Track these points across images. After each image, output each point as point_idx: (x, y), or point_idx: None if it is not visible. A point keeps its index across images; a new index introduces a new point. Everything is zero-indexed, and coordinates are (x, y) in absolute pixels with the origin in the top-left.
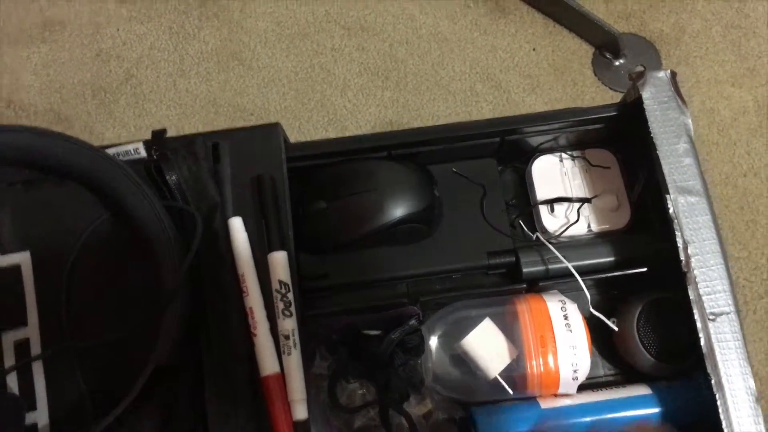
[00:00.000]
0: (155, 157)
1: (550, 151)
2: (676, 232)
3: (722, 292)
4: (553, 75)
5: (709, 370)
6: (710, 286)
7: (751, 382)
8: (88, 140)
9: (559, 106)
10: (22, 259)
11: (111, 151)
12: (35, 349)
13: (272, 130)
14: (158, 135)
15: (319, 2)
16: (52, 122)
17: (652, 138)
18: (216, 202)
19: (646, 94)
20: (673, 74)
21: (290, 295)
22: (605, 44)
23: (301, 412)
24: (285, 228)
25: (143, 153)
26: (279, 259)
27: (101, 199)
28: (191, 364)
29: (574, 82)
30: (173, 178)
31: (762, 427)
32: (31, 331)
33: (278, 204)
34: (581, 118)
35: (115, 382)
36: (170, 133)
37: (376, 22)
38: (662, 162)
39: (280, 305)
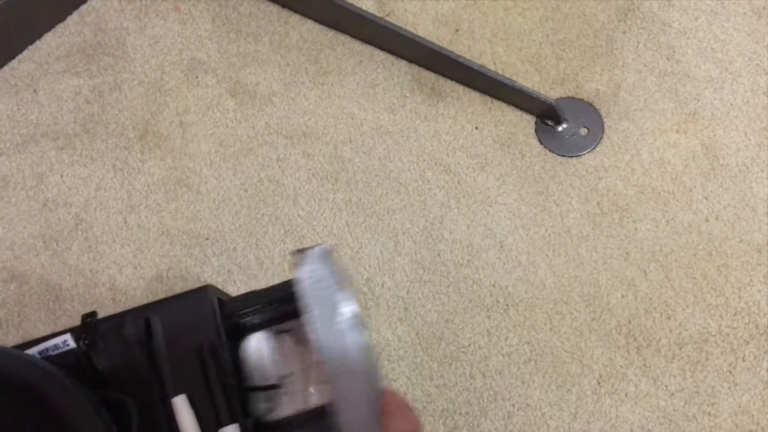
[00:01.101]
0: (84, 347)
1: (262, 326)
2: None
3: None
4: (499, 150)
5: None
6: None
7: None
8: (44, 294)
9: (510, 180)
10: None
11: (39, 348)
12: None
13: (202, 294)
14: (88, 320)
15: (257, 116)
16: (6, 281)
17: (310, 319)
18: (153, 383)
19: (304, 274)
20: (329, 250)
21: None
22: (544, 113)
23: None
24: (233, 399)
25: (72, 344)
26: None
27: (29, 405)
28: None
29: (521, 154)
30: (104, 364)
31: None
32: None
33: (223, 374)
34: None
35: None
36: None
37: (317, 126)
38: (322, 345)
39: None
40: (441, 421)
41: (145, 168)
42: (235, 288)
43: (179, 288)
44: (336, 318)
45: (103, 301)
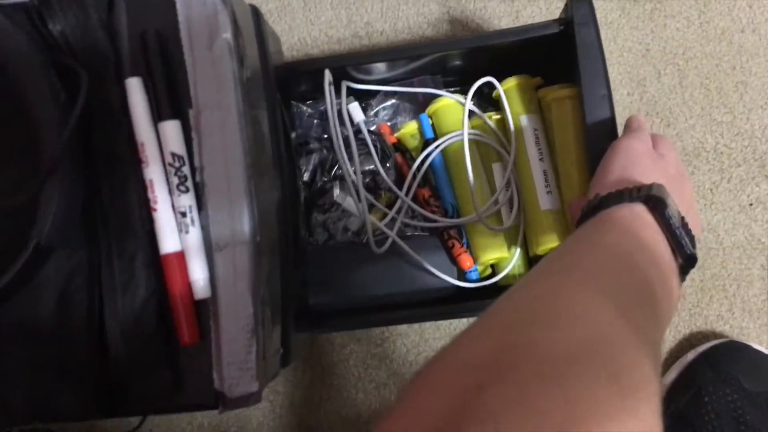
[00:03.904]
0: (36, 1)
1: None
2: (196, 152)
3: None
4: None
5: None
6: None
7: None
8: None
9: None
10: None
11: None
12: None
13: None
14: None
15: None
16: None
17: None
18: (109, 59)
19: None
20: None
21: (185, 169)
22: None
23: (202, 292)
24: (181, 94)
25: None
26: (170, 129)
27: None
28: (85, 243)
29: None
30: (57, 27)
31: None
32: None
33: (170, 65)
34: None
35: None
36: None
37: None
38: (191, 70)
39: (175, 180)
40: None
41: None
42: None
43: None
44: (211, 45)
45: None
